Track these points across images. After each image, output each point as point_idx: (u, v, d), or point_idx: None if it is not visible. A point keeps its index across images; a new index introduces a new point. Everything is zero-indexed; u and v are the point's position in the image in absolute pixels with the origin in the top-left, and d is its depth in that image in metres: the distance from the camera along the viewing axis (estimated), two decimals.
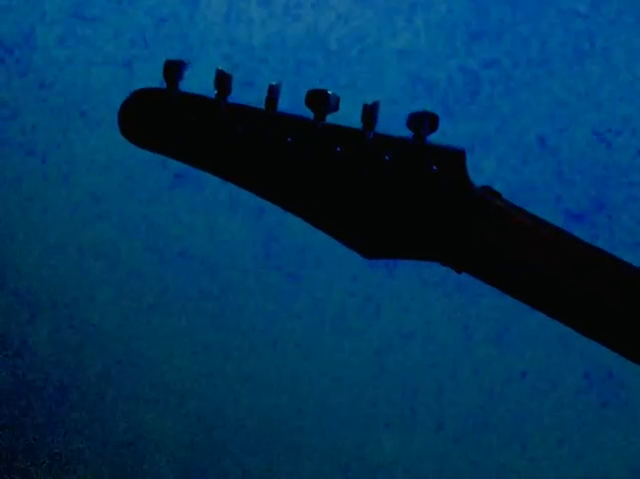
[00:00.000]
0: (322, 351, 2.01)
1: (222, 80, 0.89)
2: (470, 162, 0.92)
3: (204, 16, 1.98)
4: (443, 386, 1.97)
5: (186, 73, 0.90)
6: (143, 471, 2.08)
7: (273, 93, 0.90)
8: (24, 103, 2.04)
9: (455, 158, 0.91)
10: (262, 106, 0.90)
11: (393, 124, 0.91)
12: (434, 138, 0.91)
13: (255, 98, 0.92)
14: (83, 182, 2.04)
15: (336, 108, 0.89)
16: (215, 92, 0.90)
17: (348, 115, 0.91)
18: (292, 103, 0.91)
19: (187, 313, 2.05)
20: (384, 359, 1.99)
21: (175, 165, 0.92)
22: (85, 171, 2.04)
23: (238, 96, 0.91)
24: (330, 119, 0.90)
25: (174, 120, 0.90)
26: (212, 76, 0.89)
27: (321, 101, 0.88)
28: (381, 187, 0.90)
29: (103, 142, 1.97)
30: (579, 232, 0.95)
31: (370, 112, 0.89)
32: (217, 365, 2.05)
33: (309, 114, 0.89)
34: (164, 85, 0.91)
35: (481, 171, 0.94)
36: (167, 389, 2.07)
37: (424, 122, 0.89)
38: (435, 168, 0.91)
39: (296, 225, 0.93)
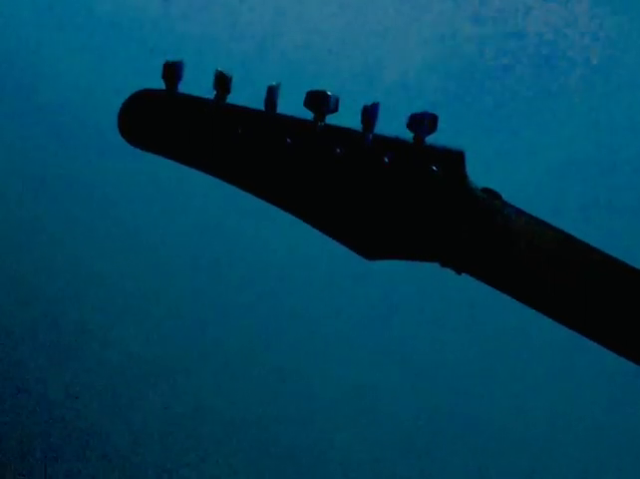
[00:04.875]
0: (321, 350, 2.01)
1: (222, 81, 0.89)
2: (469, 162, 0.92)
3: (204, 16, 1.97)
4: (443, 387, 1.97)
5: (186, 74, 0.90)
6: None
7: (272, 94, 0.90)
8: (25, 105, 2.04)
9: (454, 159, 0.91)
10: (262, 107, 0.90)
11: (392, 125, 0.91)
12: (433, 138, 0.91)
13: (255, 99, 0.91)
14: (83, 181, 2.05)
15: (335, 109, 0.89)
16: (215, 93, 0.90)
17: (348, 116, 0.91)
18: (292, 104, 0.91)
19: (186, 311, 2.05)
20: (383, 360, 1.99)
21: (175, 166, 0.92)
22: (85, 171, 2.04)
23: (238, 97, 0.90)
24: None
25: (174, 121, 0.90)
26: (212, 77, 0.89)
27: (321, 102, 0.88)
28: (380, 188, 0.90)
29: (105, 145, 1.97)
30: (579, 232, 0.95)
31: (369, 113, 0.89)
32: (217, 366, 2.05)
33: (309, 115, 0.89)
34: (164, 86, 0.90)
35: (481, 171, 0.93)
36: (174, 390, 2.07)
37: (423, 123, 0.89)
38: (434, 169, 0.90)
39: (296, 226, 0.92)
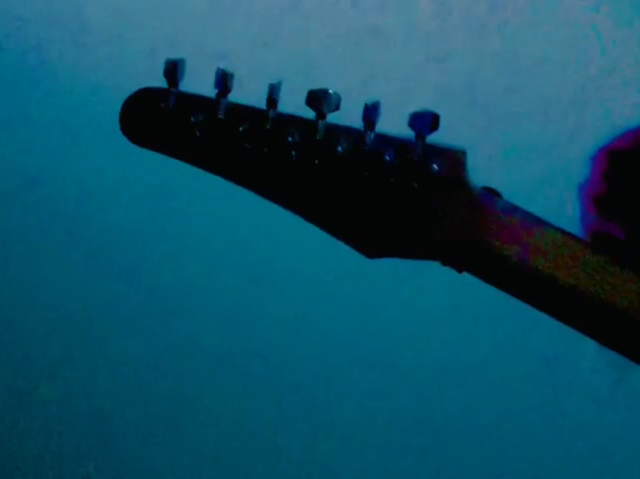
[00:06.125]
0: (322, 350, 2.01)
1: (223, 79, 0.89)
2: (470, 162, 0.92)
3: (204, 14, 1.98)
4: (443, 386, 1.97)
5: (187, 72, 0.90)
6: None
7: (273, 92, 0.90)
8: (26, 104, 2.04)
9: (455, 158, 0.91)
10: (263, 105, 0.90)
11: (394, 124, 0.91)
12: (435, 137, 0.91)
13: (256, 97, 0.91)
14: (82, 181, 2.05)
15: (337, 107, 0.89)
16: (216, 91, 0.90)
17: (349, 114, 0.91)
18: (293, 102, 0.91)
19: (185, 312, 2.05)
20: (383, 361, 1.99)
21: (175, 164, 0.92)
22: (85, 170, 2.04)
23: (239, 95, 0.90)
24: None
25: (175, 119, 0.90)
26: (213, 75, 0.89)
27: (322, 100, 0.88)
28: (382, 186, 0.90)
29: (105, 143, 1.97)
30: (580, 231, 0.95)
31: (371, 112, 0.89)
32: (215, 369, 2.05)
33: (310, 114, 0.89)
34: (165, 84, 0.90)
35: (482, 171, 0.94)
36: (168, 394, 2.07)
37: (425, 121, 0.89)
38: (435, 168, 0.90)
39: (297, 224, 0.93)
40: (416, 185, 0.90)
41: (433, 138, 0.90)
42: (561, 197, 1.86)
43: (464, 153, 0.92)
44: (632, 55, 1.86)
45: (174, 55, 0.90)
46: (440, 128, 0.90)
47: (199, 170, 0.91)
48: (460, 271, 0.94)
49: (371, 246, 0.92)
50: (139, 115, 0.90)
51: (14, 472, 2.10)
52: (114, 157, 1.96)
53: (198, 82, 0.92)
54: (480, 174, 0.94)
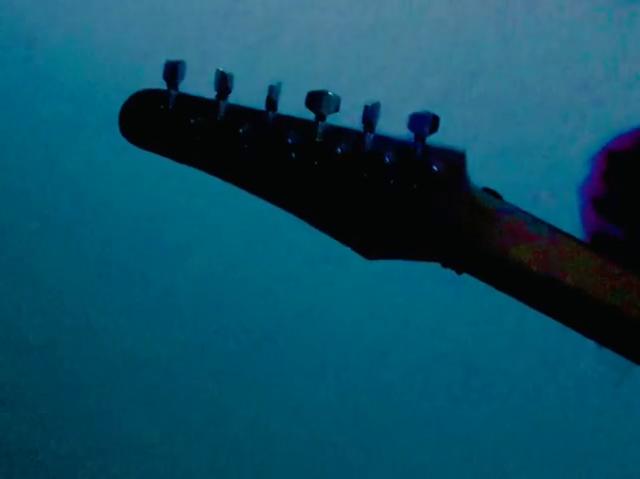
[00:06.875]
0: (324, 352, 2.01)
1: (222, 81, 0.89)
2: (470, 162, 0.92)
3: (205, 15, 1.98)
4: (442, 386, 1.97)
5: (187, 74, 0.90)
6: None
7: (273, 94, 0.90)
8: (26, 104, 2.04)
9: (455, 159, 0.91)
10: (262, 107, 0.90)
11: (393, 124, 0.91)
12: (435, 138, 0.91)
13: (255, 99, 0.91)
14: (83, 181, 2.05)
15: (337, 109, 0.89)
16: (216, 93, 0.90)
17: (349, 116, 0.91)
18: (293, 103, 0.91)
19: (185, 312, 2.05)
20: (383, 361, 1.99)
21: (175, 165, 0.92)
22: (87, 171, 2.04)
23: (238, 97, 0.90)
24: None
25: (175, 121, 0.90)
26: (213, 77, 0.89)
27: (322, 102, 0.88)
28: (382, 188, 0.90)
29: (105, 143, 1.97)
30: (579, 232, 0.95)
31: (370, 113, 0.89)
32: (215, 367, 2.05)
33: (310, 115, 0.89)
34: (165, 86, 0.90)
35: (482, 171, 0.94)
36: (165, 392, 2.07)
37: (424, 123, 0.89)
38: (435, 169, 0.90)
39: (296, 225, 0.93)
40: (415, 186, 0.90)
41: (432, 139, 0.90)
42: (561, 197, 1.86)
43: (463, 154, 0.92)
44: (632, 55, 1.86)
45: (174, 56, 0.90)
46: (439, 128, 0.90)
47: (199, 171, 0.91)
48: (459, 273, 0.94)
49: (370, 248, 0.92)
50: (138, 116, 0.90)
51: (13, 471, 2.10)
52: (113, 158, 1.96)
53: (198, 83, 0.92)
54: (479, 174, 0.94)
